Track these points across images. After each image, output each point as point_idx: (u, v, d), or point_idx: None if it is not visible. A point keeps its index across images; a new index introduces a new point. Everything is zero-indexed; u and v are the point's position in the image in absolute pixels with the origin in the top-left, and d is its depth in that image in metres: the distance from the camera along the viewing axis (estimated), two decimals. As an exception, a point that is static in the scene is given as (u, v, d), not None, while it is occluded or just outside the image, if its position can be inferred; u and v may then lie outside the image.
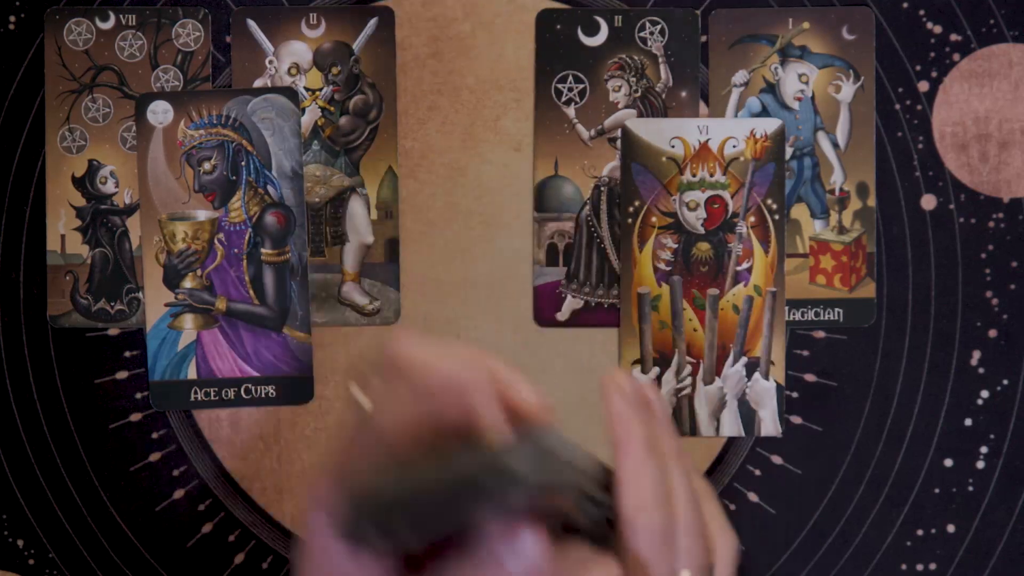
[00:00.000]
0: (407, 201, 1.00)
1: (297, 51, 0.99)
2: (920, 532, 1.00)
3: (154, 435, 1.00)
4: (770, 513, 1.00)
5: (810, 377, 1.00)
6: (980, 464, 1.01)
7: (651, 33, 1.00)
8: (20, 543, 1.00)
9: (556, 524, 0.64)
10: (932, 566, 1.00)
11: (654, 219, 0.99)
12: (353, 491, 0.61)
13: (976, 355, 1.01)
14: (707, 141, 0.99)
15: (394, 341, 0.64)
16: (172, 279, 0.99)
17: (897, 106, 1.00)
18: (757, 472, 1.00)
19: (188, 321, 0.99)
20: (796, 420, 1.00)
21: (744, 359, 0.99)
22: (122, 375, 1.00)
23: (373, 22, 0.99)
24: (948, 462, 1.00)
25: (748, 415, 1.00)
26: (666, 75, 1.00)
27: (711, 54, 1.00)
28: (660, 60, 1.00)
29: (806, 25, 1.00)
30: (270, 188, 0.99)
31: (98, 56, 0.99)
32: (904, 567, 1.00)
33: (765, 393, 0.99)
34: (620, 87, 1.00)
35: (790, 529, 1.00)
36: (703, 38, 1.00)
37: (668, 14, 0.99)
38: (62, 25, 0.99)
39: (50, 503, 1.00)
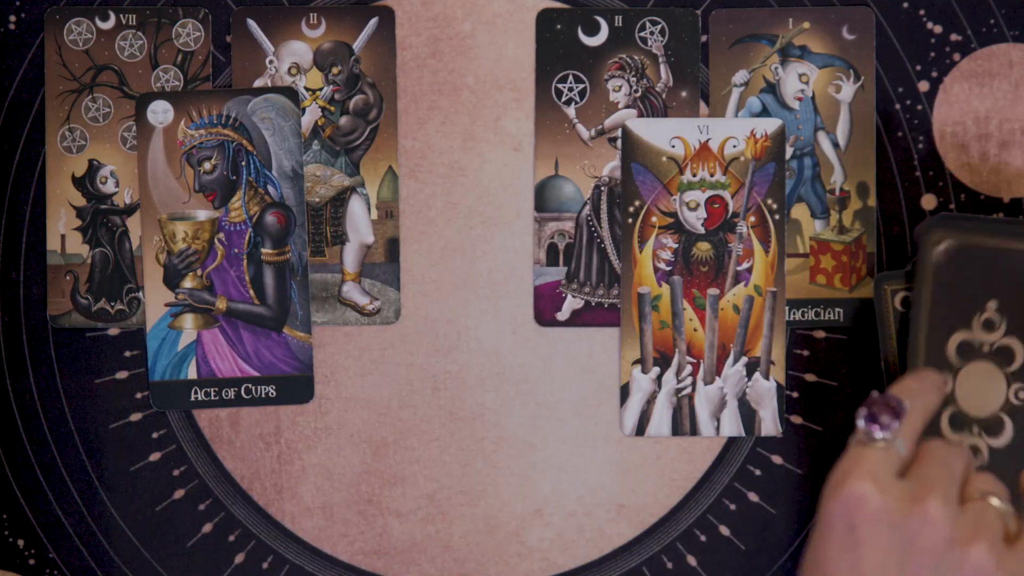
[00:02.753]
0: (407, 201, 1.00)
1: (297, 51, 0.99)
2: (920, 532, 1.00)
3: (154, 435, 1.00)
4: (770, 513, 1.00)
5: (810, 377, 1.00)
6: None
7: (651, 33, 1.00)
8: (20, 543, 1.00)
9: None
10: (932, 566, 1.00)
11: (654, 219, 0.99)
12: None
13: (976, 355, 1.01)
14: (707, 141, 0.99)
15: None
16: (172, 279, 0.99)
17: (897, 106, 1.00)
18: (757, 472, 1.00)
19: (188, 321, 0.99)
20: (796, 420, 1.00)
21: (744, 359, 0.99)
22: (122, 375, 1.00)
23: (373, 22, 0.99)
24: (948, 462, 1.00)
25: (748, 415, 1.00)
26: (666, 75, 1.00)
27: (711, 54, 1.00)
28: (660, 60, 1.00)
29: (806, 25, 1.00)
30: (270, 188, 0.99)
31: (98, 56, 0.99)
32: (904, 567, 1.00)
33: (765, 393, 0.99)
34: (620, 87, 1.00)
35: (790, 529, 1.00)
36: (703, 38, 1.00)
37: (668, 14, 0.99)
38: (62, 25, 0.99)
39: (50, 503, 1.00)
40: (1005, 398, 0.94)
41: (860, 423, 0.82)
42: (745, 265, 0.99)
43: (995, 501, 0.81)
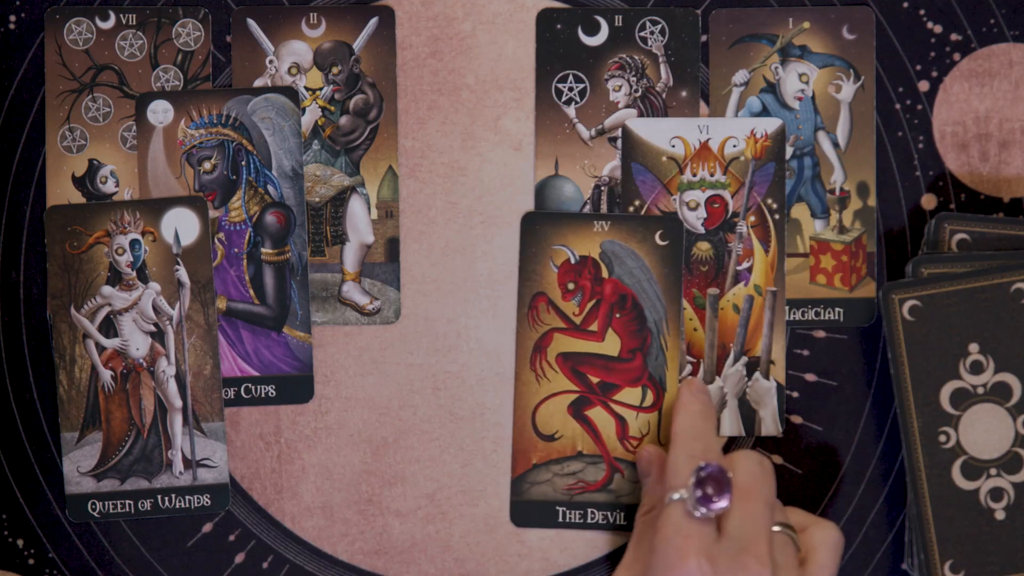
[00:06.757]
0: (407, 201, 1.00)
1: (297, 51, 0.99)
2: (920, 532, 1.00)
3: (154, 435, 1.00)
4: (770, 513, 1.00)
5: (810, 377, 1.00)
6: (980, 464, 1.01)
7: (651, 33, 1.00)
8: (20, 543, 1.00)
9: None
10: (932, 566, 1.00)
11: (654, 219, 0.99)
12: None
13: (976, 355, 1.01)
14: (707, 141, 0.99)
15: None
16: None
17: (897, 106, 1.00)
18: (757, 472, 1.00)
19: (188, 321, 0.99)
20: (796, 420, 1.00)
21: (744, 359, 0.99)
22: (122, 375, 1.00)
23: (373, 22, 0.99)
24: (948, 462, 1.00)
25: (748, 415, 1.00)
26: (666, 75, 1.00)
27: (711, 54, 1.00)
28: (660, 60, 1.00)
29: (806, 25, 1.00)
30: (270, 187, 0.99)
31: (98, 56, 0.99)
32: (904, 567, 1.00)
33: (765, 393, 0.99)
34: (620, 87, 1.00)
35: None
36: (703, 38, 1.00)
37: (668, 14, 0.99)
38: (62, 25, 0.99)
39: (50, 503, 1.00)
40: (1015, 433, 0.95)
41: (691, 499, 0.86)
42: (745, 265, 0.99)
43: (775, 528, 0.88)
